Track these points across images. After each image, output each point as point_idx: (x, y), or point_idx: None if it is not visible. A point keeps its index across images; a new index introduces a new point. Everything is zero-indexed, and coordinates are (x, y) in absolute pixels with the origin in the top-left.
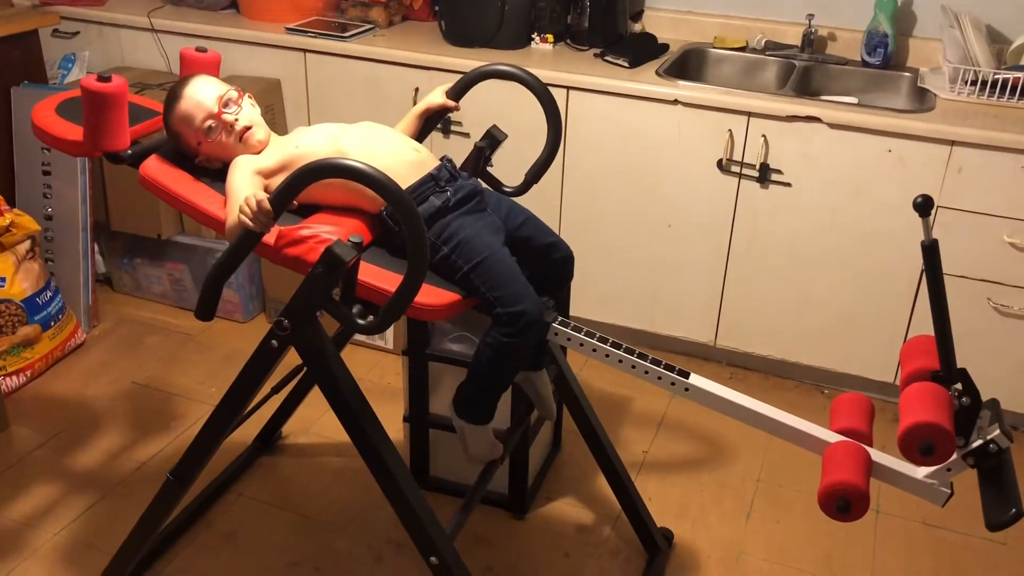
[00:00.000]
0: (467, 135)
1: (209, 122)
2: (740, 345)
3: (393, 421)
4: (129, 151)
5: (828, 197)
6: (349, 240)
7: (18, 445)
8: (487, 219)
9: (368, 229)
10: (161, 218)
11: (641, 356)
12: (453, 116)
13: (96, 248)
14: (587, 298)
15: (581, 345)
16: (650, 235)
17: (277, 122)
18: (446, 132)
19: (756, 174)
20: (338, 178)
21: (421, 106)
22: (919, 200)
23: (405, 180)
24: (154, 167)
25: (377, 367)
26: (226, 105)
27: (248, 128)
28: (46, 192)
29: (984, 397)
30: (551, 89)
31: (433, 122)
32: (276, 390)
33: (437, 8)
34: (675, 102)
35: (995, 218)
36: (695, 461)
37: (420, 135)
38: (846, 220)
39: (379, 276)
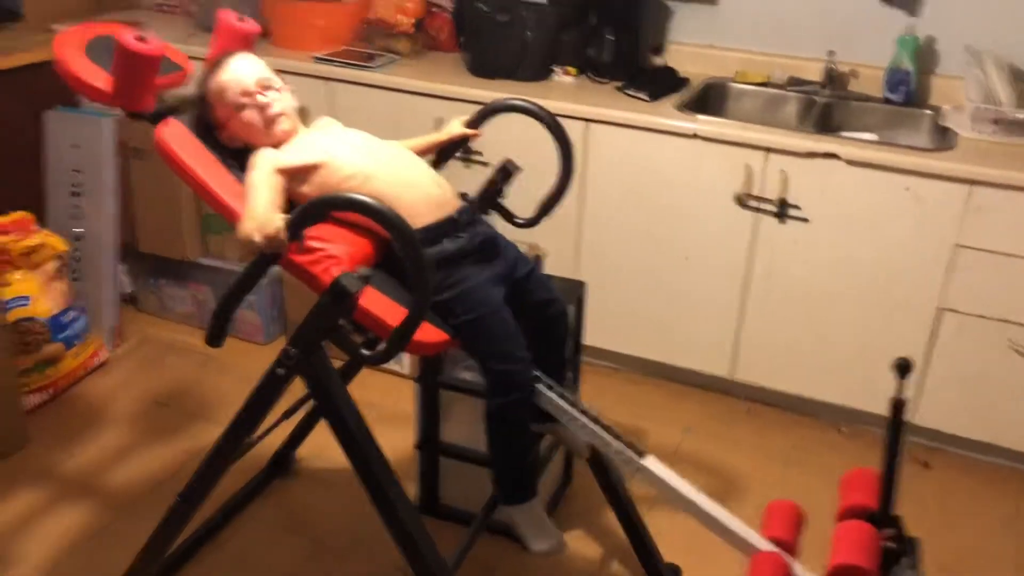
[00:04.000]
0: (486, 164)
1: (243, 99)
2: (757, 379)
3: (406, 447)
4: (152, 112)
5: (846, 233)
6: (357, 272)
7: (38, 461)
8: (495, 268)
9: (375, 248)
10: (185, 240)
11: (608, 430)
12: (473, 146)
13: (123, 268)
14: (604, 328)
15: (560, 411)
16: (667, 267)
17: None
18: (467, 162)
19: (774, 209)
20: (354, 213)
21: (442, 135)
22: (898, 362)
23: (424, 217)
24: (171, 134)
25: (392, 392)
26: (265, 88)
27: (279, 115)
28: (75, 213)
29: (1004, 441)
30: (570, 122)
31: (451, 151)
32: (288, 415)
33: (461, 40)
34: (694, 136)
35: (1015, 258)
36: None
37: (437, 163)
38: (863, 256)
39: (383, 307)
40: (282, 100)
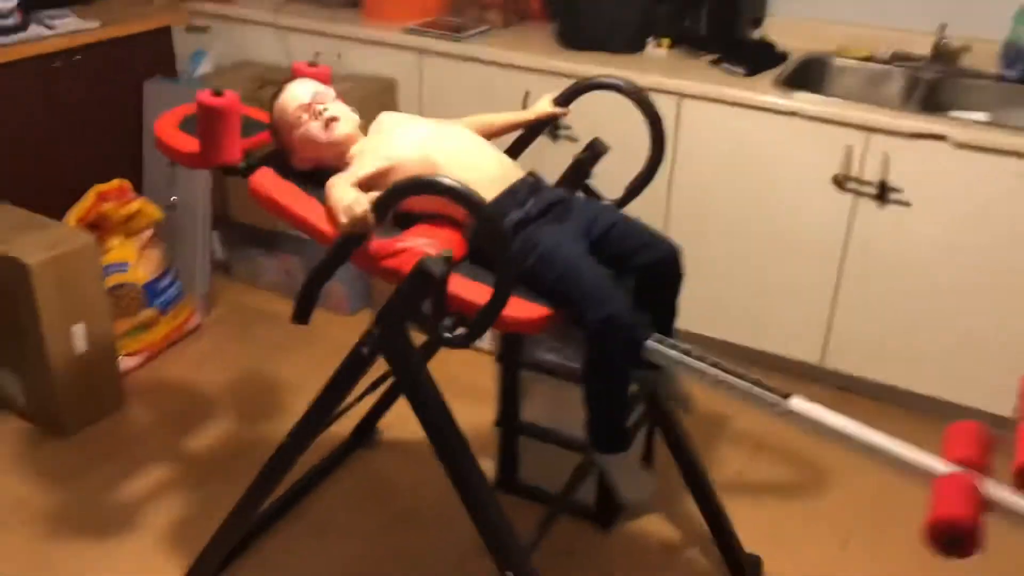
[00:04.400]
0: (575, 140)
1: (300, 111)
2: (848, 368)
3: (485, 422)
4: (243, 164)
5: (950, 219)
6: (441, 255)
7: (133, 422)
8: (571, 227)
9: (463, 243)
10: None
11: (740, 376)
12: (562, 121)
13: (215, 237)
14: (690, 311)
15: (678, 363)
16: (759, 250)
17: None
18: (554, 137)
19: (874, 192)
20: (435, 195)
21: (530, 114)
22: None
23: (488, 195)
24: (263, 179)
25: (473, 366)
26: (320, 100)
27: (335, 119)
28: (170, 181)
29: None
30: (663, 97)
31: (539, 130)
32: (372, 388)
33: (552, 10)
34: (792, 114)
35: None
36: (791, 485)
37: (525, 142)
38: (969, 244)
39: (470, 289)
40: (336, 106)
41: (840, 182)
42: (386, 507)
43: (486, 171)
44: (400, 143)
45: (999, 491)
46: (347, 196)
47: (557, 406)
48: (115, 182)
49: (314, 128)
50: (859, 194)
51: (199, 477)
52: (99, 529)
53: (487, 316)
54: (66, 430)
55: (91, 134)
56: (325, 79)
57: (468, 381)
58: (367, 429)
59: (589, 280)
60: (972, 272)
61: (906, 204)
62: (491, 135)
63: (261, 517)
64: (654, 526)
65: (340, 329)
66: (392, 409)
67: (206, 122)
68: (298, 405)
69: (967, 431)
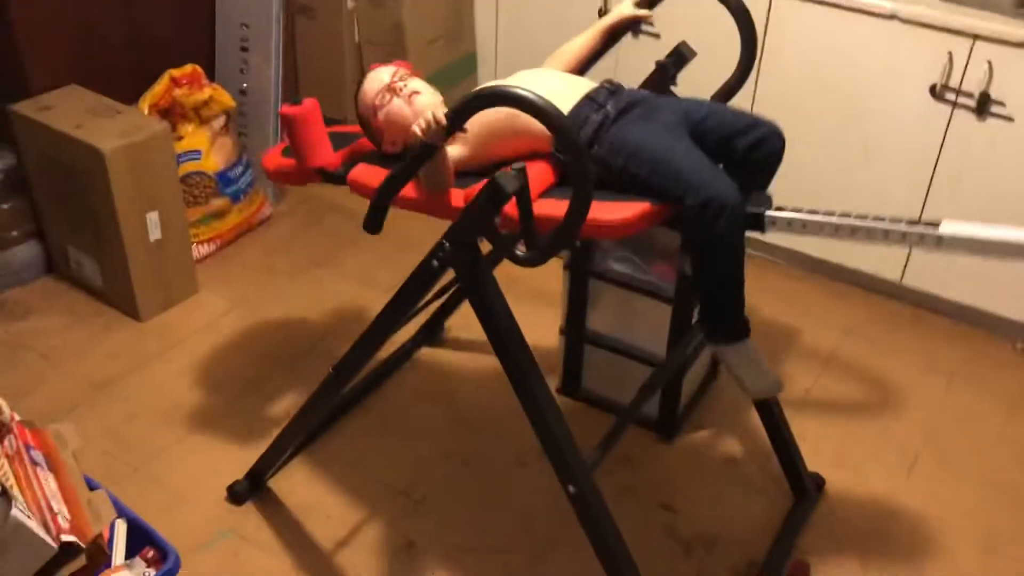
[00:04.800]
0: (657, 36)
1: (383, 92)
2: (929, 286)
3: (550, 327)
4: (340, 169)
5: None
6: (512, 168)
7: (206, 309)
8: (659, 120)
9: (553, 171)
10: (347, 101)
11: (879, 218)
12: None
13: None
14: None
15: (804, 227)
16: (844, 159)
17: (464, 9)
18: (635, 33)
19: (974, 104)
20: (501, 105)
21: (610, 19)
22: None
23: (564, 108)
24: (359, 172)
25: (543, 270)
26: (400, 78)
27: (416, 92)
28: (243, 68)
29: None
30: None
31: (620, 34)
32: (440, 294)
33: None
34: (892, 17)
35: None
36: (860, 405)
37: (604, 47)
38: None
39: (557, 207)
40: (414, 81)
41: (938, 92)
42: (449, 406)
43: (557, 88)
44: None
45: None
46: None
47: (624, 316)
48: (188, 67)
49: (397, 104)
50: (957, 106)
51: (270, 366)
52: (173, 413)
53: (566, 230)
54: (142, 315)
55: (163, 16)
56: (315, 112)
57: (534, 284)
58: (434, 327)
59: (684, 165)
60: None
61: (1008, 119)
62: (582, 61)
63: (330, 408)
64: (717, 440)
65: (410, 223)
66: (460, 309)
67: (292, 133)
68: (366, 297)
69: None
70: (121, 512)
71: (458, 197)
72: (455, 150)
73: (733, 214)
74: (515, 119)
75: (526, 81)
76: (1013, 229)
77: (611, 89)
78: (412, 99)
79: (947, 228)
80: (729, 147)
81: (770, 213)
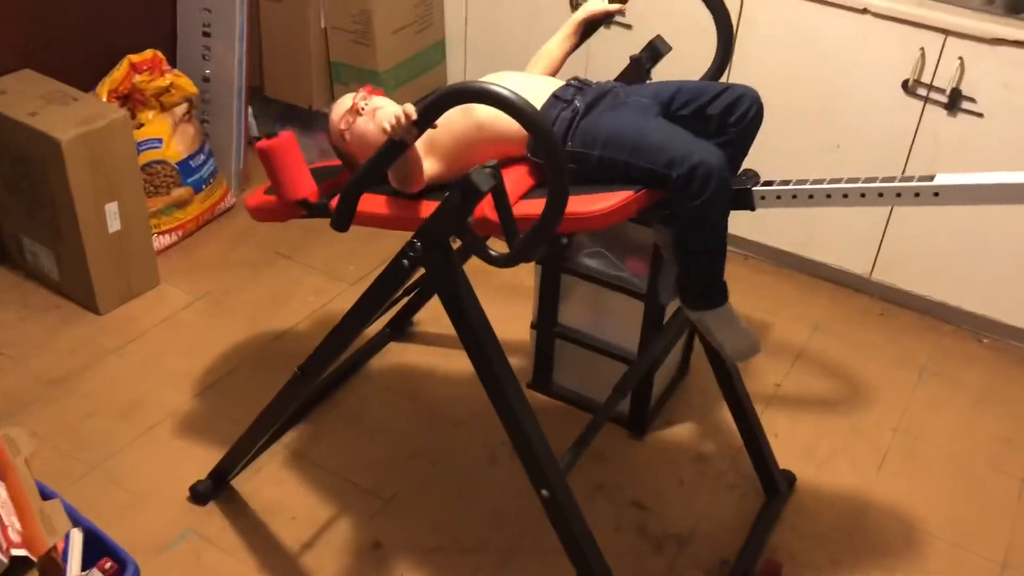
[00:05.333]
0: (629, 27)
1: (347, 115)
2: (897, 281)
3: (522, 322)
4: (323, 200)
5: None
6: (486, 166)
7: (167, 302)
8: (631, 106)
9: (531, 174)
10: (313, 88)
11: (870, 179)
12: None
13: (250, 112)
14: (740, 214)
15: (794, 197)
16: (816, 154)
17: (435, 7)
18: (607, 24)
19: (945, 100)
20: (471, 102)
21: (582, 14)
22: None
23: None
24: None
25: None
26: (362, 99)
27: (377, 108)
28: (205, 54)
29: None
30: None
31: (594, 28)
32: (409, 292)
33: None
34: (864, 11)
35: None
36: (830, 401)
37: (580, 41)
38: None
39: (535, 207)
40: (378, 99)
41: (910, 87)
42: (418, 402)
43: (526, 92)
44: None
45: None
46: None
47: (596, 312)
48: (148, 52)
49: (361, 123)
50: (929, 101)
51: (233, 361)
52: (132, 410)
53: (541, 228)
54: (100, 308)
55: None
56: (292, 144)
57: (506, 278)
58: (403, 321)
59: (662, 140)
60: None
61: (978, 115)
62: (561, 60)
63: (296, 406)
64: (688, 436)
65: None
66: (430, 303)
67: (270, 166)
68: (333, 289)
69: None
70: (77, 521)
71: (431, 211)
72: (429, 165)
73: (721, 177)
74: (484, 126)
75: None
76: (1007, 174)
77: (577, 86)
78: (375, 114)
79: (941, 180)
80: (704, 116)
81: (758, 188)
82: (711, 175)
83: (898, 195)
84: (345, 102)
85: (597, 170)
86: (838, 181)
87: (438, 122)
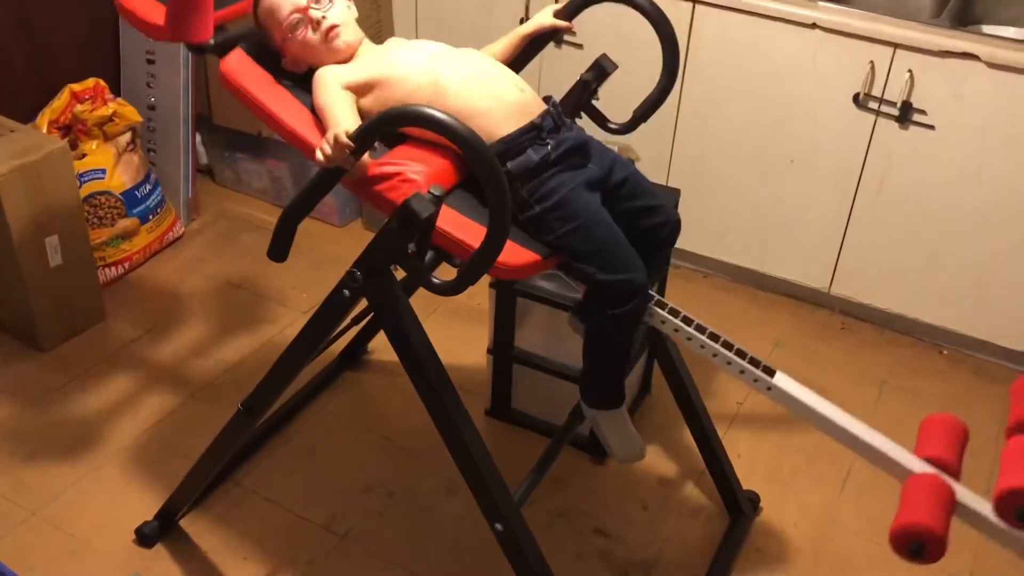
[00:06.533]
0: (580, 47)
1: (295, 16)
2: (856, 295)
3: (478, 346)
4: (212, 41)
5: (976, 145)
6: (429, 192)
7: (113, 337)
8: (587, 174)
9: (456, 169)
10: None
11: (729, 347)
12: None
13: (198, 139)
14: (697, 232)
15: (676, 331)
16: (770, 170)
17: (383, 19)
18: (558, 43)
19: (896, 113)
20: (425, 128)
21: (528, 27)
22: None
23: (504, 126)
24: (236, 64)
25: (471, 288)
26: (316, 0)
27: (334, 27)
28: (150, 82)
29: None
30: (677, 3)
31: (540, 45)
32: (358, 320)
33: None
34: (813, 26)
35: None
36: (792, 420)
37: (524, 58)
38: (993, 173)
39: (463, 227)
40: (336, 9)
41: (861, 101)
42: (373, 432)
43: (504, 98)
44: (405, 58)
45: (971, 500)
46: (336, 106)
47: (552, 335)
48: (90, 81)
49: (311, 37)
50: (880, 114)
51: (183, 396)
52: (76, 450)
53: (479, 265)
54: (43, 345)
55: (63, 28)
56: None
57: (462, 303)
58: (356, 351)
59: (607, 239)
60: (994, 204)
61: (929, 127)
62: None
63: (246, 442)
64: (650, 460)
65: (329, 240)
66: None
67: None
68: (285, 318)
69: (943, 425)
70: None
71: (371, 166)
72: (367, 102)
73: (642, 299)
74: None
75: (472, 70)
76: (833, 408)
77: (556, 121)
78: (331, 37)
79: (779, 381)
80: (632, 220)
81: (652, 307)
82: (636, 294)
83: (742, 372)
84: None
85: (527, 221)
86: (716, 339)
87: (403, 88)
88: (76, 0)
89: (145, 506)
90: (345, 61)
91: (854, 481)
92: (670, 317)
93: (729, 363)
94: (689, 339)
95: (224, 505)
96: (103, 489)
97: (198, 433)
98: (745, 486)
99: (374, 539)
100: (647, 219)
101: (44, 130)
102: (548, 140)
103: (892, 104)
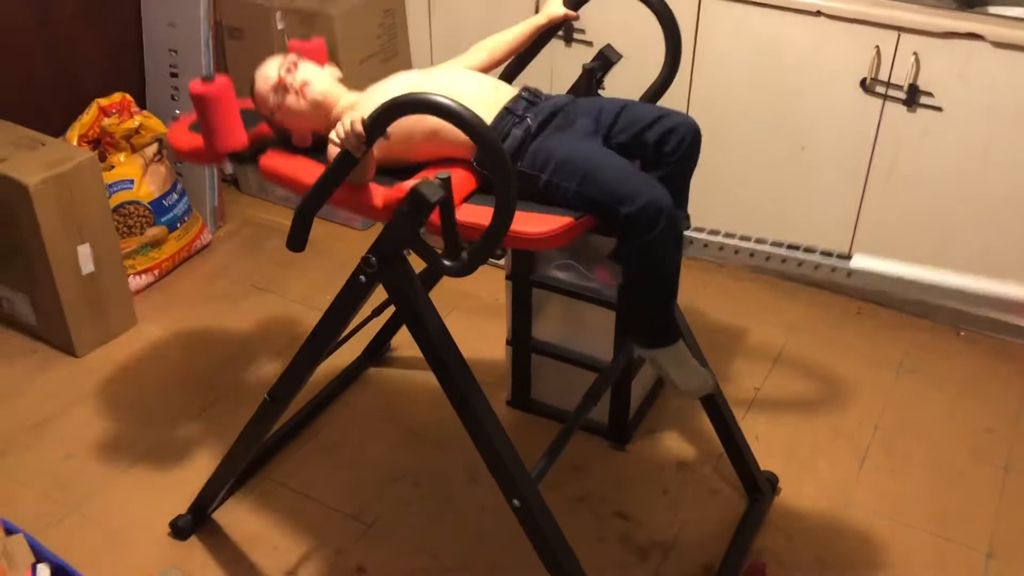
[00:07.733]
0: (590, 44)
1: (274, 92)
2: (872, 280)
3: (498, 341)
4: (248, 150)
5: (984, 126)
6: (436, 177)
7: (145, 341)
8: (578, 129)
9: (474, 178)
10: None
11: (795, 248)
12: (575, 24)
13: None
14: (709, 222)
15: (720, 249)
16: (781, 157)
17: (398, 27)
18: (568, 40)
19: (903, 96)
20: (422, 113)
21: (541, 18)
22: None
23: (487, 120)
24: (271, 159)
25: (490, 283)
26: (287, 71)
27: (305, 83)
28: (174, 95)
29: None
30: None
31: (551, 33)
32: (377, 312)
33: None
34: (818, 13)
35: None
36: (810, 402)
37: (537, 46)
38: (1002, 152)
39: (480, 215)
40: (302, 70)
41: (868, 85)
42: (397, 426)
43: (476, 96)
44: (385, 90)
45: None
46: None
47: (569, 324)
48: (117, 96)
49: (291, 102)
50: (888, 98)
51: (211, 398)
52: (109, 453)
53: (489, 240)
54: (77, 351)
55: (89, 46)
56: (319, 52)
57: (484, 297)
58: (378, 347)
59: (613, 174)
60: (1003, 181)
61: (937, 109)
62: (507, 54)
63: (272, 438)
64: (668, 444)
65: (351, 244)
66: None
67: (203, 114)
68: (310, 321)
69: None
70: (42, 556)
71: (378, 196)
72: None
73: (669, 217)
74: (438, 131)
75: (441, 83)
76: (920, 268)
77: (529, 99)
78: (304, 91)
79: (858, 262)
80: (641, 142)
81: (688, 234)
82: (660, 214)
83: (816, 267)
84: (270, 72)
85: (543, 192)
86: (764, 242)
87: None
88: (101, 20)
89: (178, 500)
90: (329, 112)
91: (872, 462)
92: (711, 238)
93: (800, 264)
94: (736, 252)
95: (255, 498)
96: (138, 486)
97: (228, 432)
98: (764, 467)
99: (400, 528)
100: (654, 132)
101: (74, 143)
102: (526, 116)
103: (899, 88)
